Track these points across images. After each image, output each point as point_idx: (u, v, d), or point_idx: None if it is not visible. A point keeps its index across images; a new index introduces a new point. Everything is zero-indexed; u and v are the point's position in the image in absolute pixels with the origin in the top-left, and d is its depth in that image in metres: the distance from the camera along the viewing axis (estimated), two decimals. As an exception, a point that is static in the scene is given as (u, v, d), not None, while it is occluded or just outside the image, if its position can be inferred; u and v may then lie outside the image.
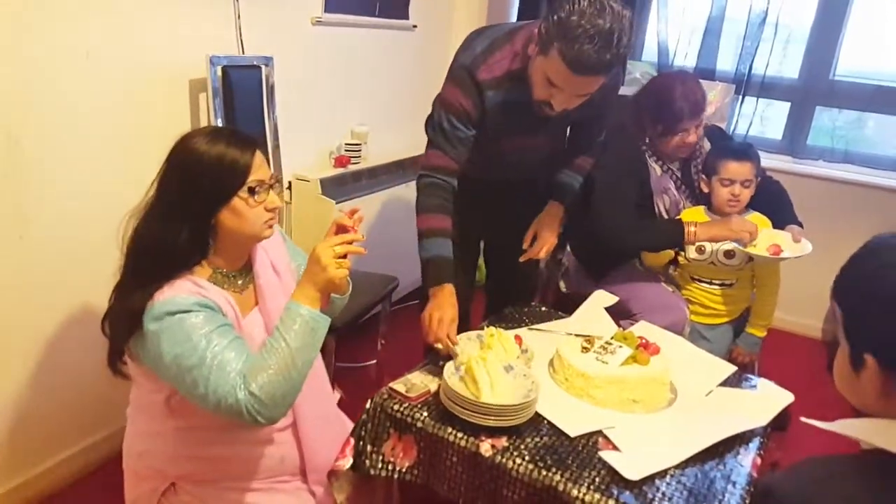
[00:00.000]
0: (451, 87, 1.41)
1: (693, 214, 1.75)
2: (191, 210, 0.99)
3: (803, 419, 0.78)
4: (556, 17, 1.21)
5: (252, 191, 1.01)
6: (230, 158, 1.00)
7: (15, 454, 1.54)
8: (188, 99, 1.78)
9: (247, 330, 1.07)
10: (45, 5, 1.39)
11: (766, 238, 1.65)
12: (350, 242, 1.05)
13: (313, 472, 1.17)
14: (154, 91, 1.67)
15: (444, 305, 1.32)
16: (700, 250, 1.73)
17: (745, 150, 1.71)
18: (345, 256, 1.03)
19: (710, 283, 1.76)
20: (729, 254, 1.72)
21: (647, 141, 1.76)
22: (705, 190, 1.75)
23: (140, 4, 1.59)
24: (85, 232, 1.56)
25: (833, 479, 0.66)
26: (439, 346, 1.27)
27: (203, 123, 1.82)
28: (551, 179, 1.67)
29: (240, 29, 1.88)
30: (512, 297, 1.70)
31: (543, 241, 1.57)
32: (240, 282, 1.10)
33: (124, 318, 0.97)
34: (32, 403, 1.55)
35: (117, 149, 1.61)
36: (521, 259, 1.58)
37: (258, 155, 1.03)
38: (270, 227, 1.06)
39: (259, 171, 1.02)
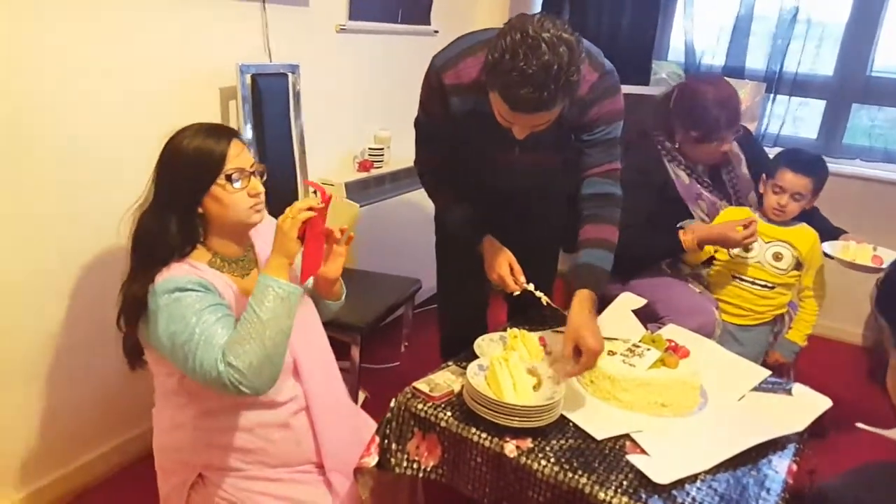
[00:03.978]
0: (424, 86, 1.38)
1: (736, 213, 1.71)
2: (176, 201, 1.07)
3: (860, 425, 0.75)
4: (490, 59, 1.12)
5: (229, 178, 1.06)
6: (206, 149, 1.07)
7: (48, 451, 1.58)
8: (219, 106, 1.83)
9: None
10: (81, 18, 1.45)
11: (862, 251, 1.64)
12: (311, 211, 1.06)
13: (328, 457, 1.19)
14: (186, 99, 1.72)
15: (496, 258, 1.37)
16: (748, 248, 1.69)
17: (808, 164, 1.63)
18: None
19: (753, 284, 1.71)
20: (777, 256, 1.68)
21: (677, 146, 1.73)
22: (761, 190, 1.72)
23: (173, 17, 1.65)
24: (115, 239, 1.60)
25: (891, 485, 0.64)
26: (518, 292, 1.34)
27: (232, 130, 1.86)
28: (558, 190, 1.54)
29: (267, 37, 1.93)
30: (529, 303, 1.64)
31: (591, 353, 1.15)
32: (241, 268, 1.16)
33: (131, 306, 1.04)
34: (65, 401, 1.59)
35: (151, 156, 1.65)
36: (564, 378, 1.19)
37: (235, 144, 1.08)
38: (258, 211, 1.11)
39: (236, 159, 1.08)
